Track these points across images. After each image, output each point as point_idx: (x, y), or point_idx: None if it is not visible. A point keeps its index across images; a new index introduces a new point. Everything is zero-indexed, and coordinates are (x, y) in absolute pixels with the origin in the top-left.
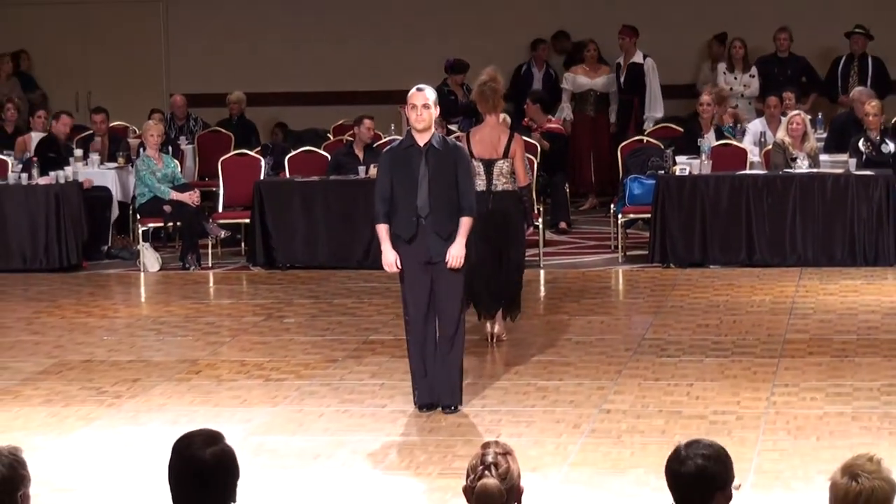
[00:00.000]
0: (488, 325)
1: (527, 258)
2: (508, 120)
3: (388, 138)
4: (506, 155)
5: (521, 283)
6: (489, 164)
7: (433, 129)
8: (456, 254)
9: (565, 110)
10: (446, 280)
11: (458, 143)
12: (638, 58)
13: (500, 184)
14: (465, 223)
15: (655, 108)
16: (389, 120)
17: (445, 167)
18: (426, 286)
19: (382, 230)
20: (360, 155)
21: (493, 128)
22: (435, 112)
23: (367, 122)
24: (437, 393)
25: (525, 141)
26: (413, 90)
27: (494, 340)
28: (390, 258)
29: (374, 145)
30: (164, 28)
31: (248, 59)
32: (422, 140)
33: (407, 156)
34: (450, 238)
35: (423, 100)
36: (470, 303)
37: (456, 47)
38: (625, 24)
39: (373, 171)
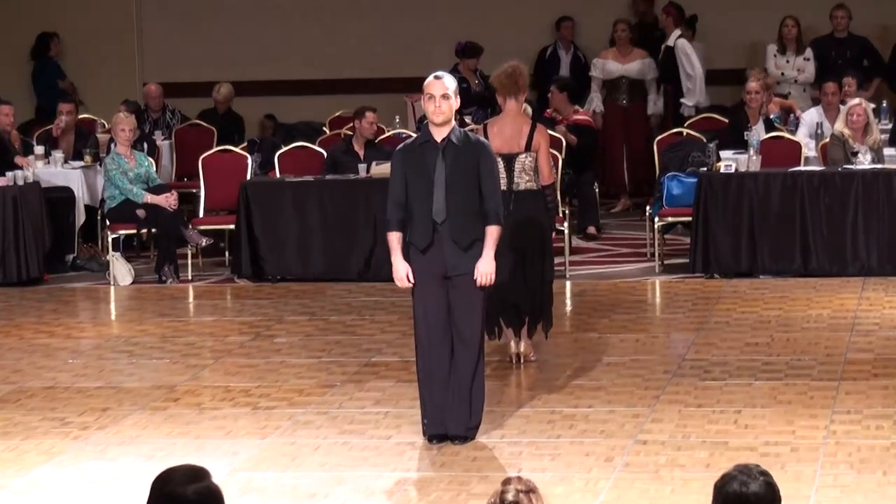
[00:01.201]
0: (512, 344)
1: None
2: (529, 111)
3: (392, 132)
4: (528, 148)
5: (550, 293)
6: (510, 160)
7: (453, 123)
8: (485, 270)
9: (594, 101)
10: (465, 297)
11: (482, 139)
12: (672, 40)
13: (523, 182)
14: (493, 232)
15: (689, 94)
16: (393, 111)
17: (466, 166)
18: (442, 303)
19: (394, 239)
20: (361, 152)
21: (515, 117)
22: (455, 103)
23: (369, 114)
24: (450, 423)
25: (549, 134)
26: (430, 78)
27: (522, 361)
28: (401, 271)
29: (377, 141)
30: (136, 7)
31: (233, 43)
32: (440, 135)
33: (422, 153)
34: (469, 249)
35: (443, 89)
36: (494, 321)
37: (468, 27)
38: (672, 0)
39: (375, 169)
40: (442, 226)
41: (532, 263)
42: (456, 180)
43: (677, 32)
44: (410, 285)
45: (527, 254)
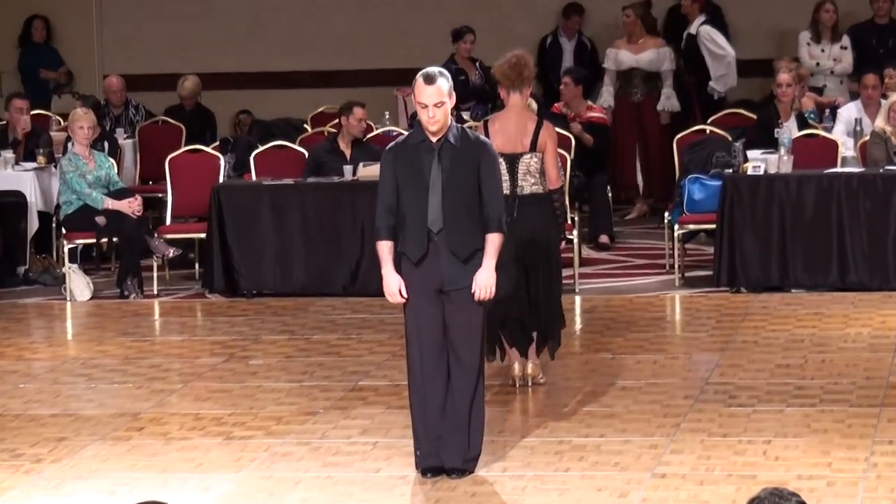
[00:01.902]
0: (516, 365)
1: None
2: (535, 106)
3: (380, 130)
4: (533, 148)
5: (559, 309)
6: (513, 161)
7: (450, 121)
8: (484, 283)
9: (604, 95)
10: (464, 314)
11: (483, 137)
12: (695, 27)
13: (528, 185)
14: (494, 241)
15: (720, 80)
16: (383, 106)
17: (465, 168)
18: (437, 320)
19: (384, 249)
20: (347, 152)
21: (519, 113)
22: (450, 104)
23: (357, 110)
24: (446, 454)
25: (558, 133)
26: (419, 80)
27: (527, 384)
28: (393, 285)
29: (365, 139)
30: None
31: (203, 30)
32: (435, 135)
33: (416, 154)
34: (469, 261)
35: (437, 97)
36: (495, 340)
37: (464, 13)
38: None
39: (362, 171)
40: (438, 235)
41: (538, 276)
42: (453, 184)
43: (701, 18)
44: (403, 301)
45: (532, 265)
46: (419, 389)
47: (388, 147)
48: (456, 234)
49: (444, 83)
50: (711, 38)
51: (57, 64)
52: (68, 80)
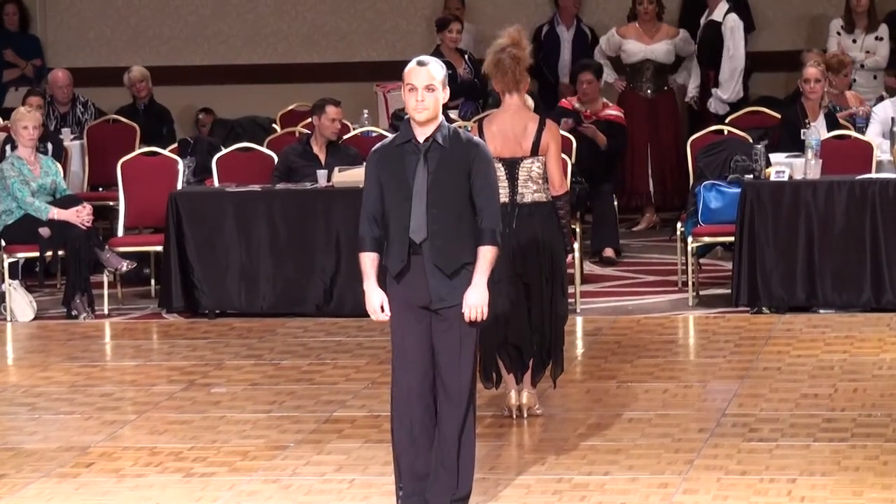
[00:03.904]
0: (512, 394)
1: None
2: (531, 103)
3: (358, 130)
4: (535, 151)
5: (561, 332)
6: (513, 166)
7: (440, 119)
8: (474, 302)
9: (608, 75)
10: (453, 334)
11: (477, 139)
12: (719, 14)
13: (529, 192)
14: (486, 254)
15: (725, 87)
16: (361, 104)
17: (454, 173)
18: (423, 340)
19: (367, 261)
20: (321, 155)
21: (517, 113)
22: (443, 96)
23: (330, 109)
24: (432, 493)
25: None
26: (412, 64)
27: (523, 415)
28: (375, 301)
29: (341, 141)
30: None
31: (159, 19)
32: (423, 134)
33: (401, 157)
34: (456, 275)
35: (427, 79)
36: (491, 365)
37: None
38: None
39: (338, 176)
40: (421, 246)
41: (539, 294)
42: (440, 190)
43: (725, 6)
44: (385, 318)
45: (534, 281)
46: (402, 418)
47: (372, 149)
48: (441, 245)
49: (438, 70)
50: (732, 35)
51: (30, 55)
52: (35, 74)
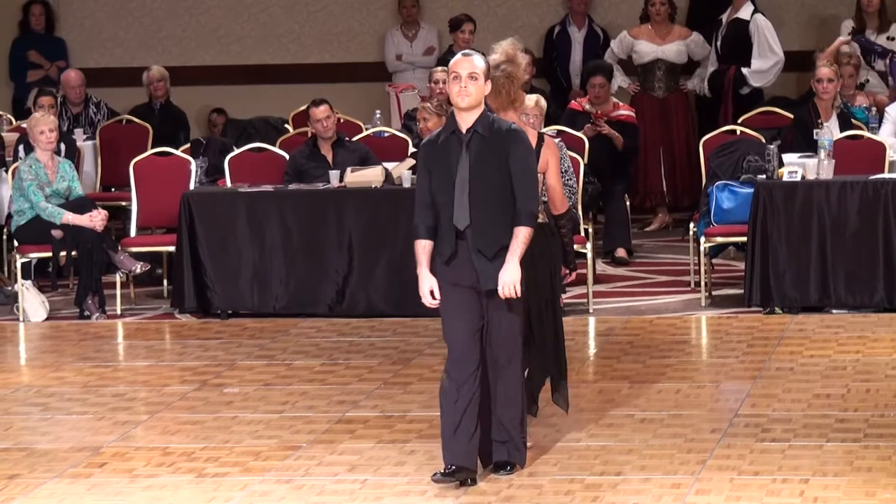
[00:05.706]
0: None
1: (572, 301)
2: (543, 103)
3: (370, 130)
4: None
5: (560, 352)
6: None
7: (482, 108)
8: (508, 279)
9: (618, 78)
10: (498, 316)
11: (515, 125)
12: (745, 13)
13: None
14: (520, 235)
15: (760, 75)
16: (374, 104)
17: (494, 160)
18: (471, 321)
19: (420, 248)
20: (329, 155)
21: None
22: (487, 87)
23: (314, 110)
24: (477, 454)
25: (569, 134)
26: (458, 56)
27: (536, 415)
28: (425, 287)
29: (347, 140)
30: None
31: (171, 21)
32: (465, 123)
33: (445, 147)
34: (496, 258)
35: (471, 67)
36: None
37: (462, 1)
38: None
39: (350, 176)
40: (465, 233)
41: (541, 318)
42: (481, 178)
43: (751, 6)
44: (435, 304)
45: (534, 309)
46: (451, 392)
47: (423, 141)
48: (483, 231)
49: (480, 61)
50: (772, 33)
51: (55, 56)
52: (59, 76)
